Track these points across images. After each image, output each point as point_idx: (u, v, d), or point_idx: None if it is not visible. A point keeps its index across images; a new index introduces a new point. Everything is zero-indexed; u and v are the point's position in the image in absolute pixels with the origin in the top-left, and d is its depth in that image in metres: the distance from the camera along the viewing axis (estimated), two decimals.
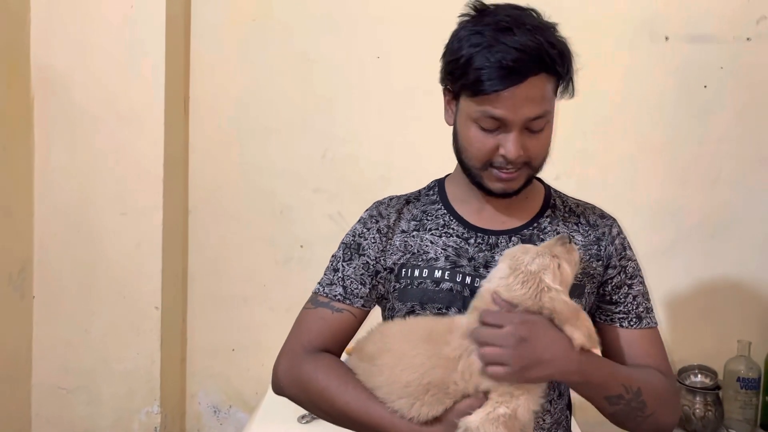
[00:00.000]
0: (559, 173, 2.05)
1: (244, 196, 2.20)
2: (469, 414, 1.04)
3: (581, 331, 1.06)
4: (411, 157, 2.11)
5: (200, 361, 2.24)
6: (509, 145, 1.13)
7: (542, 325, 1.06)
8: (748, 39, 2.04)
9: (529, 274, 1.08)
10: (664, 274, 2.10)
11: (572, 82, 1.19)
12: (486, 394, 1.05)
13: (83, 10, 2.01)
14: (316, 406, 1.18)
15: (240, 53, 2.16)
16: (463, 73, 1.12)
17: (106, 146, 2.03)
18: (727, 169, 2.08)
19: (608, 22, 2.07)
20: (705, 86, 2.07)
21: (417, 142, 2.11)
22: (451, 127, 1.24)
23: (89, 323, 2.07)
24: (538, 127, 1.14)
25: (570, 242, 1.15)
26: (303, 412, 1.74)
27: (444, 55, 1.19)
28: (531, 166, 1.19)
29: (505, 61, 1.08)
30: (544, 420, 1.22)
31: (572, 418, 1.36)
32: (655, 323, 1.28)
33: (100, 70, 2.02)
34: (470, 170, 1.21)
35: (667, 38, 2.06)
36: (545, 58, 1.10)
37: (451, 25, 1.20)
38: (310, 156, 2.17)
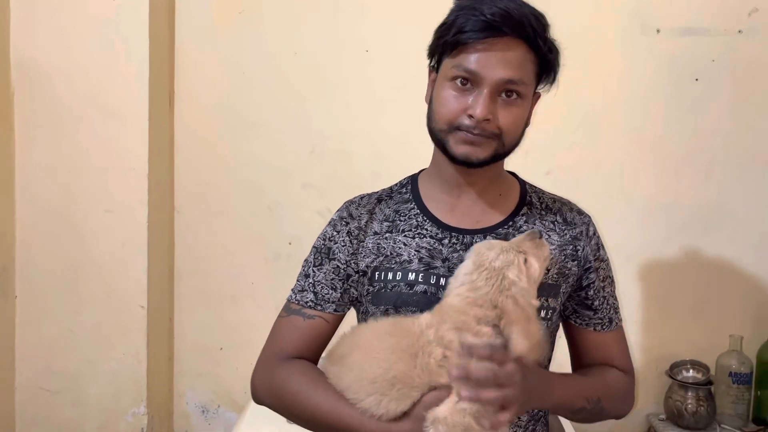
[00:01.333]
0: (551, 168, 2.05)
1: (232, 193, 2.16)
2: (437, 406, 1.03)
3: (526, 339, 1.03)
4: (401, 151, 2.07)
5: (188, 361, 2.21)
6: (477, 105, 1.12)
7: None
8: (739, 32, 2.02)
9: (493, 270, 1.07)
10: (655, 268, 2.10)
11: (555, 72, 1.19)
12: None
13: (65, 2, 1.96)
14: (291, 413, 1.18)
15: (226, 47, 2.12)
16: (447, 31, 1.15)
17: (89, 142, 1.99)
18: (720, 164, 2.07)
19: (600, 14, 2.05)
20: (697, 79, 2.05)
21: (407, 136, 2.06)
22: None
23: (73, 323, 2.03)
24: (511, 95, 1.14)
25: (540, 237, 1.13)
26: None
27: (435, 31, 1.20)
28: (501, 140, 1.16)
29: (486, 15, 1.10)
30: (519, 418, 1.21)
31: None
32: (621, 320, 1.32)
33: (82, 64, 1.98)
34: (437, 135, 1.19)
35: (658, 31, 2.04)
36: (527, 26, 1.12)
37: (438, 19, 1.19)
38: (299, 151, 2.14)
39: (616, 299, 1.31)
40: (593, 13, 2.04)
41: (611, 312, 1.29)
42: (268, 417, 1.74)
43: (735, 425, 1.96)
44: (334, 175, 2.13)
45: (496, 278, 1.06)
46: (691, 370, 2.00)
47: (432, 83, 1.23)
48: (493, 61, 1.11)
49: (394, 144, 2.10)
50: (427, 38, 1.22)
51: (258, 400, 1.24)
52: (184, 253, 2.18)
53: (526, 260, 1.09)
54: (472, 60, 1.12)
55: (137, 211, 2.00)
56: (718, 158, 2.07)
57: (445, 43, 1.15)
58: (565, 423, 1.70)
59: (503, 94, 1.14)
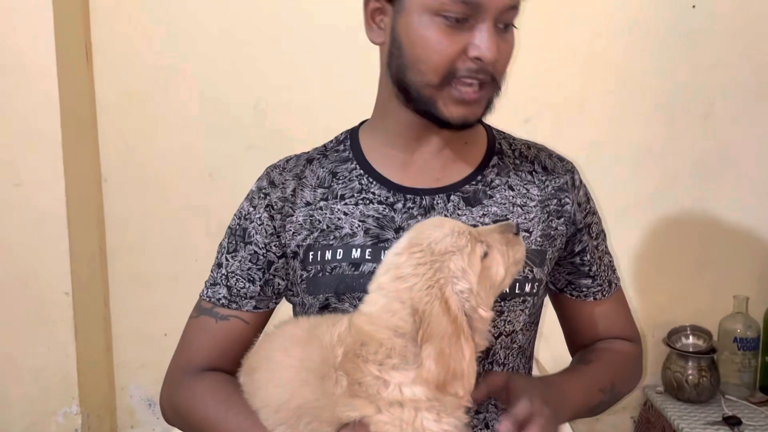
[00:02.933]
0: (530, 115, 1.86)
1: (167, 158, 1.93)
2: None
3: (439, 366, 0.77)
4: (357, 102, 1.83)
5: (128, 350, 2.00)
6: (485, 42, 0.89)
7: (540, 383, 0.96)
8: None
9: (431, 254, 0.80)
10: (649, 224, 1.97)
11: None
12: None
13: None
14: None
15: None
16: None
17: None
18: (720, 102, 1.92)
19: None
20: (694, 6, 1.87)
21: (363, 88, 1.83)
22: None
23: None
24: (510, 20, 0.93)
25: (517, 233, 0.88)
26: None
27: None
28: (496, 84, 0.94)
29: None
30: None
31: None
32: (619, 278, 1.17)
33: None
34: (421, 93, 0.94)
35: None
36: None
37: None
38: (240, 107, 1.92)
39: (610, 255, 1.15)
40: None
41: (609, 273, 1.13)
42: None
43: (741, 395, 1.84)
44: (281, 134, 1.89)
45: (430, 267, 0.80)
46: (691, 337, 1.87)
47: (374, 16, 0.97)
48: None
49: (348, 96, 1.85)
50: None
51: (168, 422, 1.04)
52: (116, 229, 1.96)
53: (486, 255, 0.82)
54: None
55: (52, 184, 1.75)
56: (718, 96, 1.92)
57: None
58: None
59: (501, 22, 0.92)
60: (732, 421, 1.67)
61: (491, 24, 0.90)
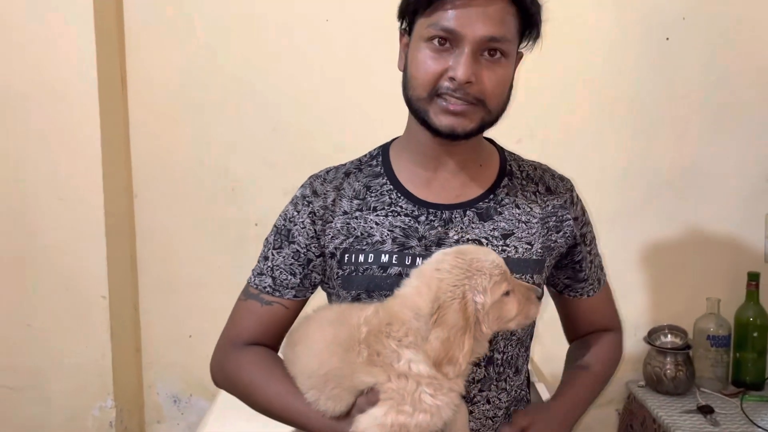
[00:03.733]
0: (522, 135, 1.99)
1: (192, 174, 2.08)
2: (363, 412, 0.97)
3: (441, 349, 0.93)
4: (365, 124, 2.01)
5: (156, 350, 2.14)
6: (458, 66, 1.03)
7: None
8: None
9: (468, 266, 0.97)
10: (632, 234, 2.08)
11: (538, 28, 1.11)
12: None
13: None
14: (246, 400, 1.16)
15: (179, 22, 2.02)
16: None
17: (37, 128, 1.89)
18: (695, 124, 2.04)
19: None
20: (667, 38, 2.01)
21: (371, 108, 2.01)
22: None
23: (31, 318, 1.95)
24: (495, 54, 1.06)
25: (539, 298, 1.05)
26: None
27: None
28: (485, 106, 1.08)
29: None
30: (500, 399, 1.17)
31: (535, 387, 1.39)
32: (605, 274, 1.33)
33: (23, 45, 1.86)
34: (416, 105, 1.10)
35: None
36: None
37: None
38: (260, 128, 2.06)
39: (600, 255, 1.30)
40: None
41: (599, 272, 1.29)
42: (240, 403, 1.72)
43: (715, 388, 1.96)
44: (298, 153, 2.05)
45: (464, 273, 0.96)
46: (669, 335, 1.98)
47: (405, 48, 1.14)
48: (473, 17, 1.03)
49: (358, 117, 2.03)
50: (389, 6, 1.14)
51: (216, 384, 1.22)
52: (146, 239, 2.10)
53: (507, 293, 0.99)
54: (449, 17, 1.03)
55: (92, 197, 1.91)
56: (692, 118, 2.04)
57: (418, 1, 1.06)
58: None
59: (486, 54, 1.05)
60: (705, 410, 1.81)
61: (468, 51, 1.03)
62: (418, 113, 1.11)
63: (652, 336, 1.99)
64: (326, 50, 2.03)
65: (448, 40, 1.05)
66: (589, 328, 1.32)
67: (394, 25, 1.17)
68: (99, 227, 1.92)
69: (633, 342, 2.06)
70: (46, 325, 1.95)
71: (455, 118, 1.07)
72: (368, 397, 0.97)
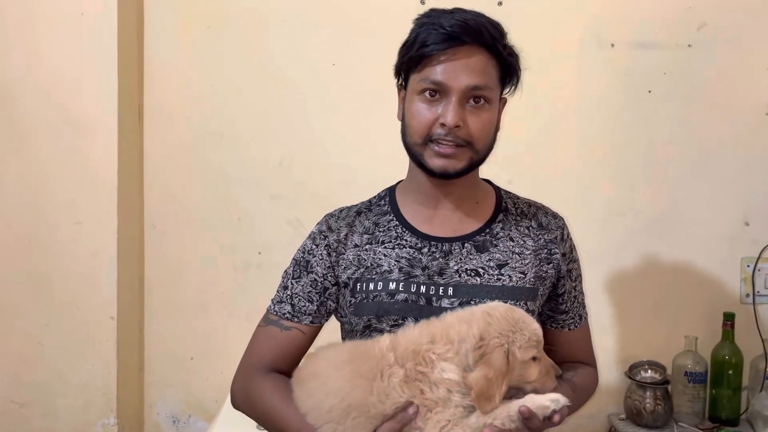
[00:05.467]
0: (512, 176, 2.08)
1: (201, 203, 2.18)
2: None
3: (482, 385, 1.02)
4: (368, 161, 2.13)
5: (158, 371, 2.21)
6: (447, 113, 1.16)
7: None
8: (689, 45, 2.11)
9: (515, 324, 1.07)
10: (614, 272, 2.17)
11: (518, 75, 1.25)
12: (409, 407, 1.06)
13: (31, 14, 1.97)
14: (263, 424, 1.25)
15: (195, 59, 2.15)
16: (410, 48, 1.20)
17: (58, 155, 2.00)
18: (673, 171, 2.14)
19: (557, 28, 2.12)
20: (650, 91, 2.13)
21: (374, 147, 2.13)
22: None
23: (43, 335, 2.03)
24: (479, 101, 1.19)
25: (558, 377, 1.14)
26: None
27: (399, 50, 1.25)
28: (473, 147, 1.21)
29: (446, 28, 1.16)
30: None
31: None
32: (587, 313, 1.41)
33: (50, 77, 1.99)
34: (412, 150, 1.24)
35: (613, 45, 2.12)
36: (485, 33, 1.18)
37: (403, 33, 1.24)
38: (268, 162, 2.17)
39: (583, 294, 1.39)
40: (551, 28, 2.11)
41: (580, 309, 1.38)
42: (238, 425, 1.78)
43: (692, 423, 2.02)
44: (302, 186, 2.16)
45: (511, 327, 1.07)
46: (648, 371, 2.05)
47: (402, 101, 1.27)
48: (458, 70, 1.16)
49: (362, 155, 2.15)
50: (393, 51, 1.27)
51: (236, 406, 1.30)
52: (155, 263, 2.19)
53: (534, 359, 1.09)
54: (437, 71, 1.17)
55: (107, 222, 2.00)
56: (671, 166, 2.14)
57: (410, 59, 1.20)
58: None
59: (471, 101, 1.19)
60: None
61: (456, 99, 1.16)
62: (414, 157, 1.25)
63: (632, 371, 2.06)
64: (332, 92, 2.15)
65: (437, 92, 1.19)
66: (568, 359, 1.39)
67: (393, 70, 1.29)
68: (111, 251, 2.01)
69: (614, 376, 2.14)
70: (56, 343, 2.03)
71: (446, 160, 1.20)
72: (392, 423, 1.05)
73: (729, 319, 2.04)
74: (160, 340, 2.20)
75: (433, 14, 1.21)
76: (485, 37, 1.18)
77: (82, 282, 2.02)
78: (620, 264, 2.16)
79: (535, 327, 1.10)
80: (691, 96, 2.13)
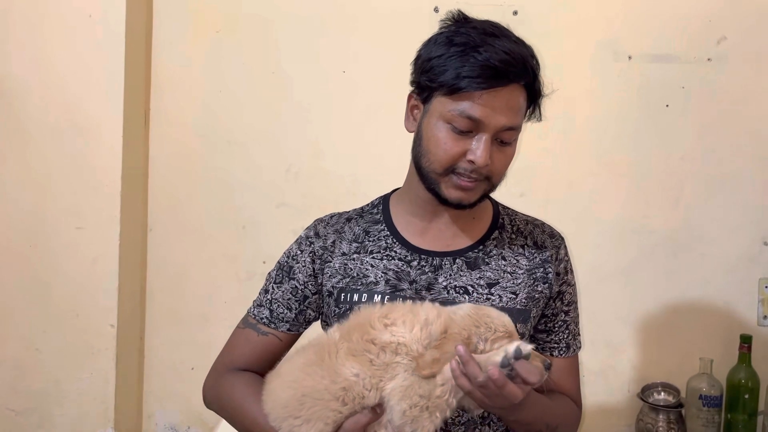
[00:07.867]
0: (525, 190, 2.06)
1: (206, 211, 2.15)
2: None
3: (427, 362, 1.00)
4: (377, 171, 2.08)
5: (158, 381, 2.18)
6: (479, 151, 1.10)
7: None
8: (708, 59, 2.07)
9: (480, 323, 1.04)
10: (627, 291, 2.11)
11: (539, 107, 1.19)
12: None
13: (39, 18, 1.96)
14: (232, 421, 1.21)
15: (203, 65, 2.13)
16: (443, 70, 1.10)
17: (61, 158, 1.98)
18: (690, 188, 2.09)
19: (574, 41, 2.08)
20: (667, 105, 2.08)
21: (383, 156, 2.09)
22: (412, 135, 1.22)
23: (41, 342, 2.00)
24: (508, 139, 1.13)
25: (547, 370, 1.04)
26: None
27: (418, 57, 1.17)
28: (491, 181, 1.17)
29: (492, 62, 1.07)
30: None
31: None
32: (580, 347, 1.32)
33: (56, 80, 1.97)
34: (428, 176, 1.17)
35: (630, 57, 2.08)
36: (529, 69, 1.11)
37: (415, 42, 1.20)
38: (274, 170, 2.14)
39: (578, 325, 1.32)
40: (567, 41, 2.07)
41: (569, 337, 1.29)
42: None
43: None
44: (309, 195, 2.13)
45: (473, 322, 1.04)
46: (662, 393, 2.00)
47: (413, 110, 1.20)
48: (496, 108, 1.09)
49: (370, 164, 2.11)
50: (404, 60, 1.21)
51: (206, 404, 1.29)
52: (157, 271, 2.17)
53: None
54: (476, 108, 1.08)
55: (109, 228, 1.98)
56: (687, 183, 2.09)
57: (442, 85, 1.10)
58: None
59: (500, 140, 1.13)
60: None
61: (489, 137, 1.10)
62: (428, 182, 1.18)
63: (645, 393, 2.01)
64: (342, 100, 2.12)
65: (470, 128, 1.10)
66: (552, 388, 1.29)
67: (405, 80, 1.23)
68: (113, 258, 1.99)
69: (626, 397, 2.09)
70: (54, 351, 2.00)
71: (464, 193, 1.15)
72: (359, 416, 1.01)
73: (746, 341, 1.99)
74: (160, 349, 2.17)
75: (473, 33, 1.10)
76: (528, 76, 1.12)
77: (82, 288, 1.99)
78: (633, 282, 2.11)
79: (504, 321, 1.06)
80: (710, 111, 2.08)
